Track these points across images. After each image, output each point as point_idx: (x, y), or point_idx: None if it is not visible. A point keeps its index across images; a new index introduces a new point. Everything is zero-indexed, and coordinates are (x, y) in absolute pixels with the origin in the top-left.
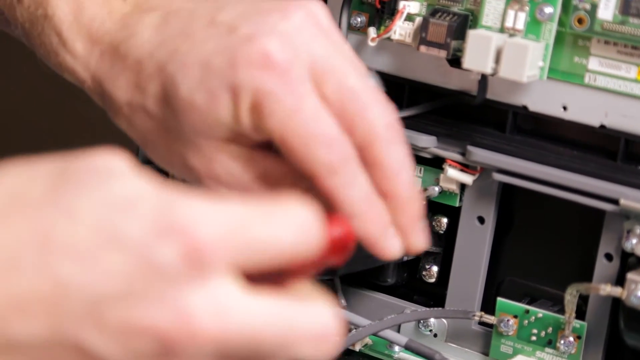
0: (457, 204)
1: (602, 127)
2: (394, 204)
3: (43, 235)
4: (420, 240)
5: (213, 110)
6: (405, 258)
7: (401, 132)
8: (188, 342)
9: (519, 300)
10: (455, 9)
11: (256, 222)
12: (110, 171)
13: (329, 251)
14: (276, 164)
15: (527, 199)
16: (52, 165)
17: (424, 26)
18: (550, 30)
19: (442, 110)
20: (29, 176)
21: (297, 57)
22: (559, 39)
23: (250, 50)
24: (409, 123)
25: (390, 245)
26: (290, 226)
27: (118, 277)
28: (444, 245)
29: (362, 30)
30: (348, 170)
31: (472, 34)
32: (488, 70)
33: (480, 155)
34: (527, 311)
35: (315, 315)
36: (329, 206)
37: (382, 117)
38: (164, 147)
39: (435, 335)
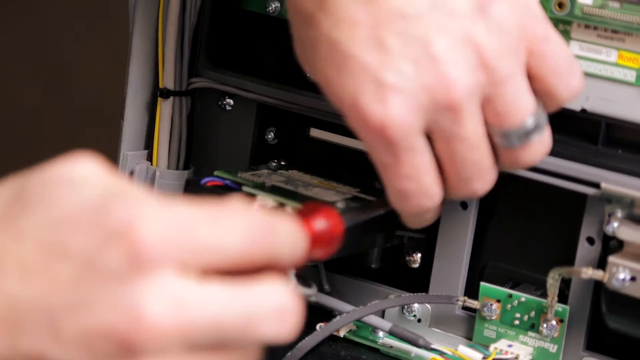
0: None
1: (583, 111)
2: None
3: None
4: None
5: None
6: (389, 244)
7: None
8: (145, 338)
9: (502, 285)
10: None
11: (201, 225)
12: (58, 183)
13: (311, 245)
14: None
15: (509, 184)
16: (11, 185)
17: None
18: None
19: None
20: None
21: None
22: None
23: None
24: None
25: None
26: (236, 230)
27: (67, 288)
28: (427, 231)
29: None
30: None
31: None
32: None
33: None
34: (510, 295)
35: (273, 292)
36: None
37: None
38: None
39: (419, 321)
